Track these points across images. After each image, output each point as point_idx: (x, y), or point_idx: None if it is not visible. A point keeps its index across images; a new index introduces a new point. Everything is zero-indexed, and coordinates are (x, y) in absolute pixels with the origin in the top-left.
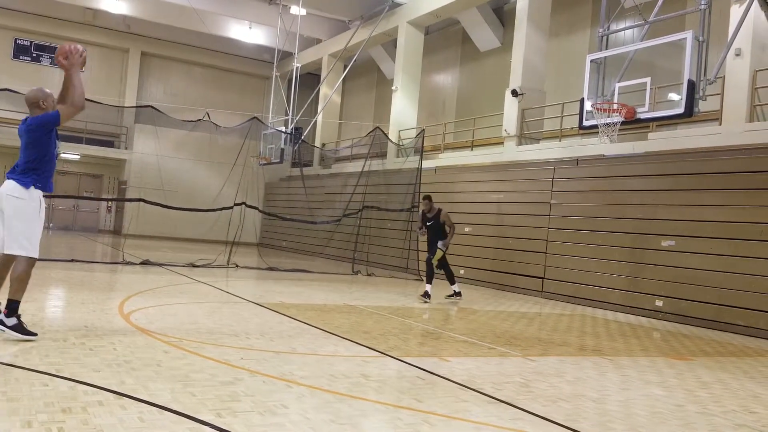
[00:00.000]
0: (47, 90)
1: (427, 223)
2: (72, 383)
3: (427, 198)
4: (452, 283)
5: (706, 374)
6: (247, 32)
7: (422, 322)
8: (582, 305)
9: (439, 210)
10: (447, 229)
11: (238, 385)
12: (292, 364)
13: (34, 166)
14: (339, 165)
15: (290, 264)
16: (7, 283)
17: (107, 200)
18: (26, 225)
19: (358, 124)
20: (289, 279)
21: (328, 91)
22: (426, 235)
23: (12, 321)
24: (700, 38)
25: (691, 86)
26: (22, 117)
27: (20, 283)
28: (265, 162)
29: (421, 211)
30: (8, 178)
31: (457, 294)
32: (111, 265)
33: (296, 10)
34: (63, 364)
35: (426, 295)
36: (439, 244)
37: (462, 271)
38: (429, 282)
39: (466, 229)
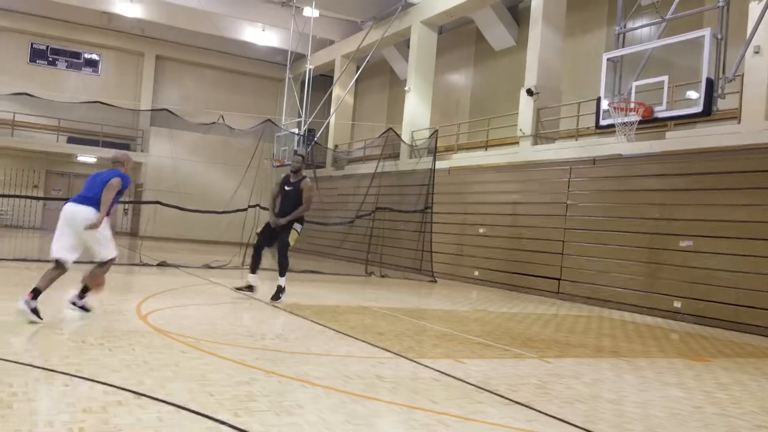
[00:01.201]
0: (130, 155)
1: (286, 188)
2: (91, 383)
3: (302, 156)
4: (282, 275)
5: (725, 375)
6: (261, 34)
7: (437, 323)
8: (599, 306)
9: (304, 177)
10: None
11: (254, 385)
12: (307, 365)
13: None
14: (352, 166)
15: (304, 265)
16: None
17: (124, 203)
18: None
19: (371, 125)
20: (302, 280)
21: (341, 93)
22: (275, 208)
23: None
24: (719, 36)
25: (710, 84)
26: (39, 121)
27: (98, 282)
28: (279, 164)
29: (284, 176)
30: (84, 205)
31: (282, 290)
32: (128, 267)
33: (309, 11)
34: (82, 364)
35: (249, 287)
36: (296, 226)
37: (476, 272)
38: (253, 271)
39: (481, 230)
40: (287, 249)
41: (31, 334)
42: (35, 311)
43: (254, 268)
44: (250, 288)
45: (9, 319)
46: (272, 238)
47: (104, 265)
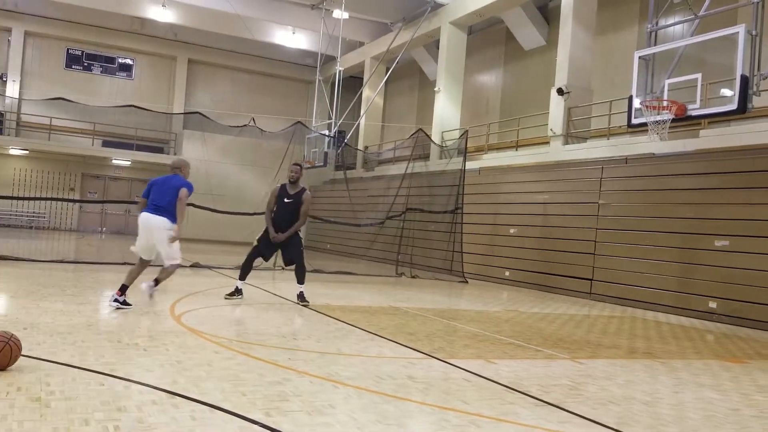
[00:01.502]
0: (187, 161)
1: (285, 200)
2: (126, 383)
3: (299, 165)
4: (301, 282)
5: (763, 377)
6: (291, 37)
7: (468, 324)
8: (632, 307)
9: (303, 189)
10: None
11: (286, 385)
12: (339, 365)
13: (173, 210)
14: (382, 167)
15: (335, 266)
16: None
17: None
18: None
19: (401, 127)
20: (333, 281)
21: (371, 94)
22: (272, 221)
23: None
24: (753, 32)
25: (744, 81)
26: (75, 125)
27: (167, 275)
28: (309, 165)
29: (279, 186)
30: (157, 215)
31: (303, 293)
32: (162, 268)
33: (339, 13)
34: (117, 364)
35: (238, 291)
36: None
37: (507, 273)
38: (243, 278)
39: (512, 231)
40: (303, 258)
41: (68, 334)
42: (123, 302)
43: (244, 276)
44: (239, 292)
45: (47, 320)
46: (271, 249)
47: (170, 267)
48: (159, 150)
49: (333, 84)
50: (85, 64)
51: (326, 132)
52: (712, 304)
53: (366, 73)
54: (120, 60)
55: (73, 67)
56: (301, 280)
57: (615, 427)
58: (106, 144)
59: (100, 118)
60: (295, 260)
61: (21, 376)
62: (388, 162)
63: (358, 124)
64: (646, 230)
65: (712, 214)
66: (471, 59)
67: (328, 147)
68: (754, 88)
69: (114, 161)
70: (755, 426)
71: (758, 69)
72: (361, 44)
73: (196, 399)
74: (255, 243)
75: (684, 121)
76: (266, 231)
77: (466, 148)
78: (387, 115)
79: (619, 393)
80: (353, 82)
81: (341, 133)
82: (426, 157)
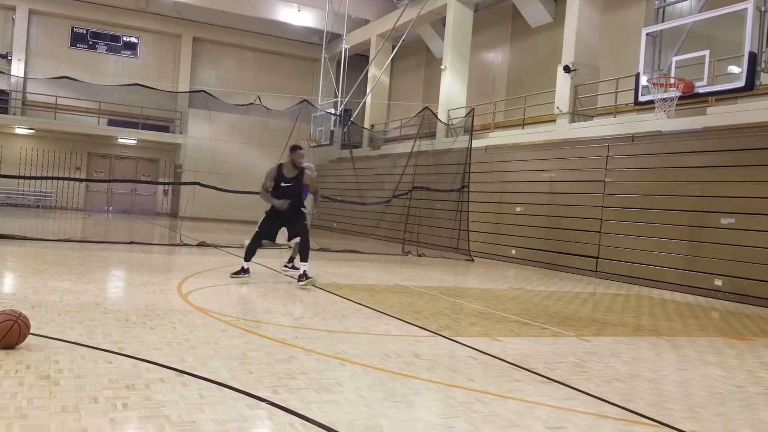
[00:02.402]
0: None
1: (283, 184)
2: (135, 361)
3: (298, 147)
4: (305, 260)
5: None
6: (296, 15)
7: (474, 302)
8: (638, 285)
9: (302, 169)
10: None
11: (293, 363)
12: (345, 343)
13: None
14: (388, 146)
15: (341, 245)
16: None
17: (164, 184)
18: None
19: (407, 105)
20: (340, 259)
21: (377, 72)
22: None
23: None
24: (762, 8)
25: (752, 58)
26: (80, 104)
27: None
28: (316, 144)
29: (276, 167)
30: None
31: (305, 273)
32: (169, 247)
33: None
34: (125, 342)
35: (244, 270)
36: (308, 208)
37: (513, 251)
38: (248, 260)
39: (518, 209)
40: (308, 233)
41: (76, 312)
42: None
43: (250, 258)
44: (246, 271)
45: (55, 298)
46: (275, 228)
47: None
48: (165, 129)
49: (339, 62)
50: (90, 42)
51: (332, 110)
52: (718, 282)
53: (372, 51)
54: (125, 38)
55: (78, 45)
56: (304, 257)
57: (620, 404)
58: (111, 123)
59: (105, 97)
60: (300, 234)
61: (30, 355)
62: (395, 140)
63: (364, 102)
64: (652, 208)
65: (718, 191)
66: (477, 37)
67: (335, 125)
68: (762, 65)
69: (120, 140)
70: (760, 403)
71: (766, 45)
72: (367, 22)
73: (204, 377)
74: (257, 229)
75: (691, 99)
76: (267, 214)
77: (472, 126)
78: (393, 93)
79: (625, 370)
80: (359, 59)
81: (347, 112)
82: (432, 135)
